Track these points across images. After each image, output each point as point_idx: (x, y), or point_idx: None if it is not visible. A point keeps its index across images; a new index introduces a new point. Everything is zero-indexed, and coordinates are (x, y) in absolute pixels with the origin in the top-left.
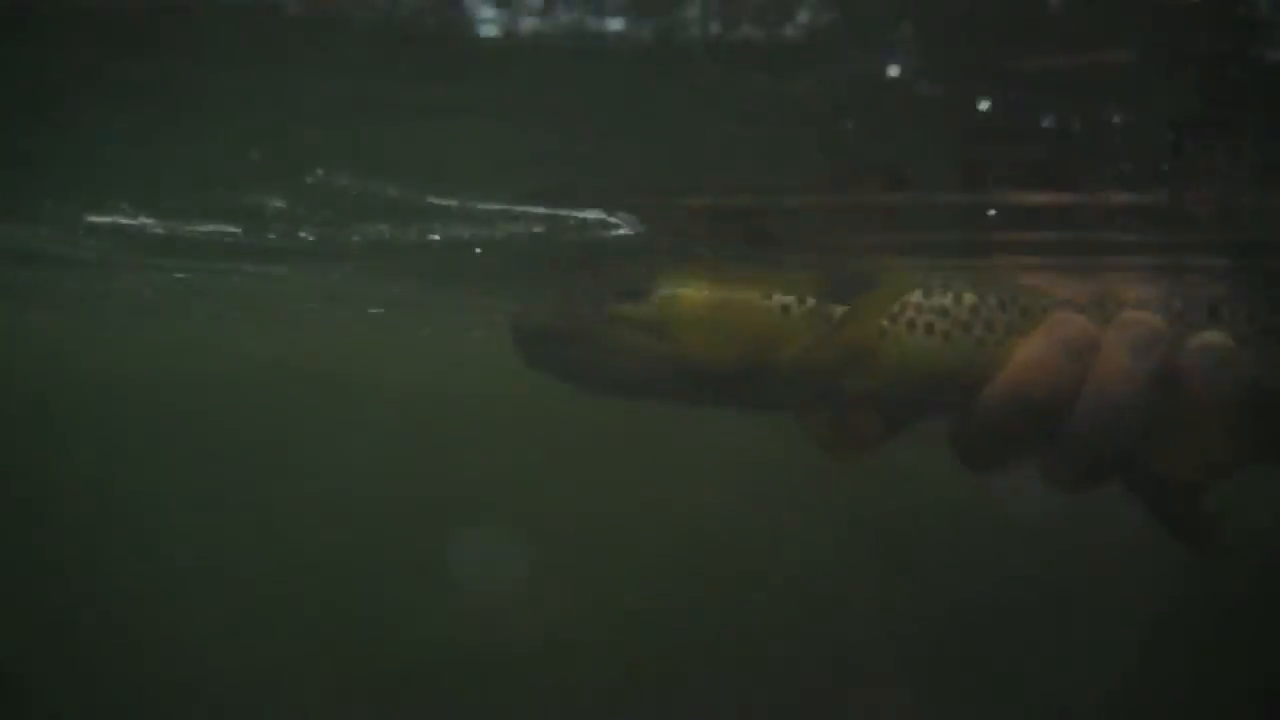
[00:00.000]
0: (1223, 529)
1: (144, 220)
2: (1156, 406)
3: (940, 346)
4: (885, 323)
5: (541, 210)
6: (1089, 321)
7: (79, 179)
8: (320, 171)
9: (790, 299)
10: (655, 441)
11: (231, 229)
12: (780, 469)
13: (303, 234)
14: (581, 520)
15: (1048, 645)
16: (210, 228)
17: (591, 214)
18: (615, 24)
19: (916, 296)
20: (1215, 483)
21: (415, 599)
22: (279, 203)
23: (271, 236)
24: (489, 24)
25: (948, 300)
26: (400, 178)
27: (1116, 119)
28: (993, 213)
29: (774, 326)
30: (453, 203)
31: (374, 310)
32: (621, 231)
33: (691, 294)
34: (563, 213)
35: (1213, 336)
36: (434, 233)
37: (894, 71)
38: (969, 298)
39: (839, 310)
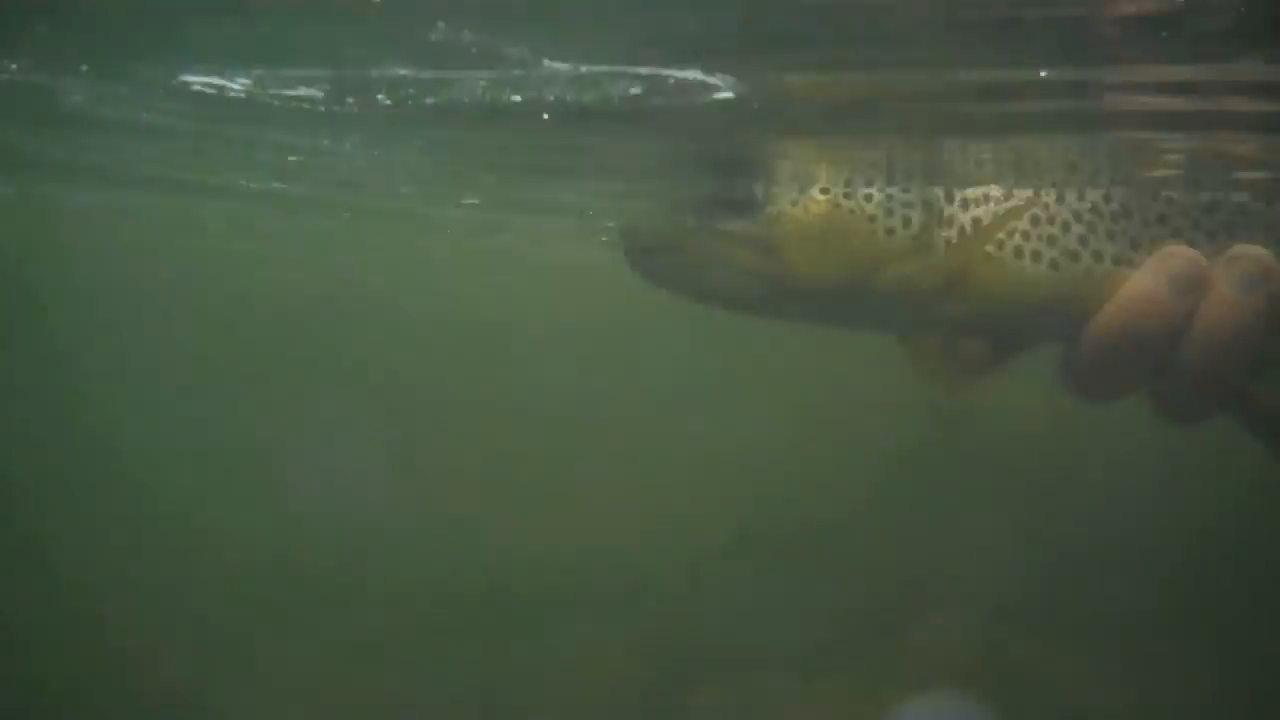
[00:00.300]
0: None
1: (239, 81)
2: (1266, 339)
3: (1047, 274)
4: (991, 249)
5: (643, 70)
6: (1198, 254)
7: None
8: (442, 25)
9: (895, 222)
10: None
11: (319, 92)
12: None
13: (400, 96)
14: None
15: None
16: (304, 90)
17: (691, 73)
18: None
19: (1024, 223)
20: None
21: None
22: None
23: (350, 101)
24: None
25: (1055, 229)
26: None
27: None
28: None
29: (878, 248)
30: (564, 66)
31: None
32: (721, 95)
33: (797, 213)
34: (663, 72)
35: (1244, 249)
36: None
37: None
38: (1077, 227)
39: (945, 234)
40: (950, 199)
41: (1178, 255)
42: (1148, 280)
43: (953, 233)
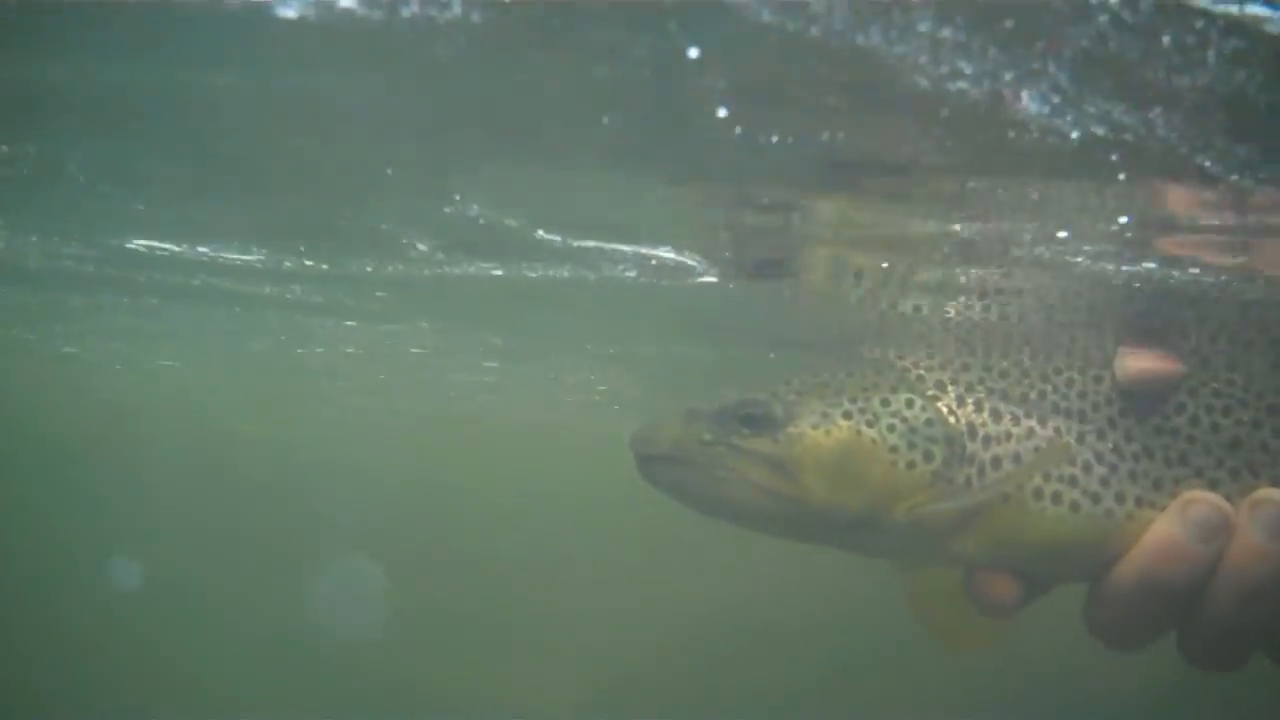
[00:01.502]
0: None
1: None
2: None
3: (1067, 516)
4: (1009, 489)
5: (627, 248)
6: (1220, 500)
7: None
8: (458, 198)
9: (917, 455)
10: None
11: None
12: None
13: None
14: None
15: None
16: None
17: (664, 250)
18: None
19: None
20: None
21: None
22: (417, 235)
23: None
24: None
25: (1076, 469)
26: (519, 212)
27: None
28: None
29: (898, 479)
30: (556, 239)
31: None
32: (704, 279)
33: (818, 436)
34: (644, 250)
35: (1269, 492)
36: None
37: None
38: (1099, 468)
39: (966, 471)
40: (973, 435)
41: (1200, 501)
42: (1170, 527)
43: (973, 470)
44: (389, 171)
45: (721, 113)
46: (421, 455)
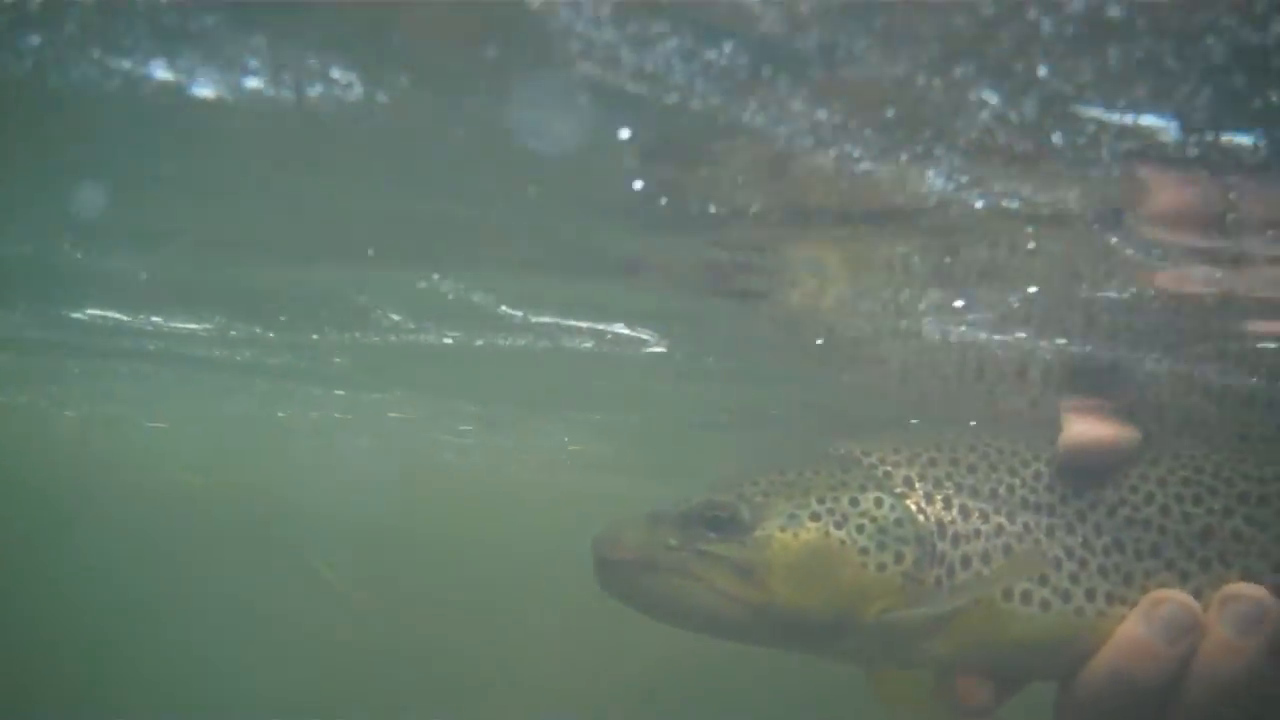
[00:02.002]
0: None
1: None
2: (1269, 681)
3: (1038, 615)
4: (982, 593)
5: (584, 325)
6: (1188, 599)
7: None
8: (436, 276)
9: (887, 557)
10: None
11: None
12: None
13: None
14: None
15: None
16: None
17: (619, 327)
18: None
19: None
20: None
21: None
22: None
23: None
24: None
25: (1046, 566)
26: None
27: None
28: None
29: (867, 582)
30: (518, 314)
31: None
32: (652, 349)
33: (786, 539)
34: (600, 327)
35: (1239, 588)
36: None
37: None
38: (1069, 564)
39: (935, 572)
40: (942, 533)
41: (1168, 601)
42: (1139, 627)
43: (942, 571)
44: (370, 253)
45: (637, 185)
46: (396, 508)
